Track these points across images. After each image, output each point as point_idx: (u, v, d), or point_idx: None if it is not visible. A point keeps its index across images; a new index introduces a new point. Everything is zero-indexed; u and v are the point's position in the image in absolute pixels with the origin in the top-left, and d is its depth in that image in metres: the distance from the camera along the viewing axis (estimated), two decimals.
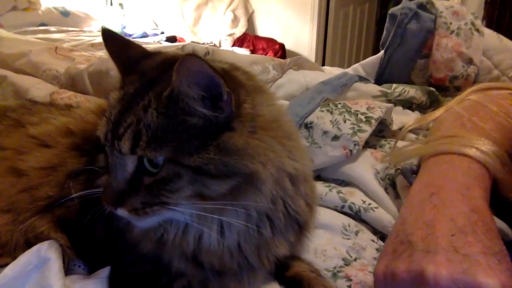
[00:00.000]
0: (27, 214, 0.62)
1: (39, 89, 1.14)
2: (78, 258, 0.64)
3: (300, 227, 0.65)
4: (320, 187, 0.87)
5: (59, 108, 0.80)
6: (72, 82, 1.22)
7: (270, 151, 0.55)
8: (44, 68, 1.26)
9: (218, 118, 0.51)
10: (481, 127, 0.67)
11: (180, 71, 0.48)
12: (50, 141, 0.68)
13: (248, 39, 4.04)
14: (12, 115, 0.74)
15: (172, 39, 3.77)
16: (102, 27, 0.61)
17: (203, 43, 3.73)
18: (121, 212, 0.52)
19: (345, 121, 0.92)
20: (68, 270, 0.61)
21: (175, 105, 0.50)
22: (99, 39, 2.73)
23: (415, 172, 0.79)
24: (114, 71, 1.09)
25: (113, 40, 0.61)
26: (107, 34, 0.60)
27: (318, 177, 0.93)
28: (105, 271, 0.59)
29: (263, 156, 0.54)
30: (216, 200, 0.52)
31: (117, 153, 0.52)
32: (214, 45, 3.95)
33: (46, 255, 0.55)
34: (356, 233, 0.78)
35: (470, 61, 1.19)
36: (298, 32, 4.07)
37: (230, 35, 4.09)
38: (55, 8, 3.47)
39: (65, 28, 3.04)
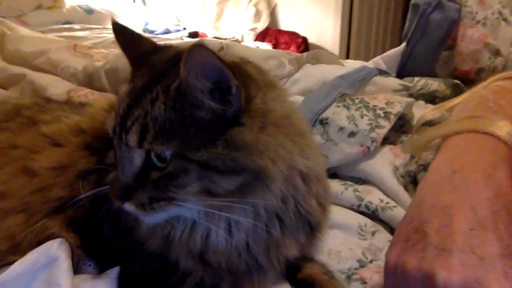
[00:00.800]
0: (40, 215, 0.62)
1: (57, 87, 1.15)
2: (88, 258, 0.64)
3: (311, 228, 0.63)
4: (336, 186, 0.85)
5: (72, 107, 0.80)
6: (90, 79, 1.23)
7: (280, 148, 0.53)
8: (63, 65, 1.28)
9: (227, 112, 0.50)
10: (508, 110, 0.63)
11: (187, 62, 0.47)
12: (62, 140, 0.69)
13: (271, 33, 4.01)
14: (26, 113, 0.75)
15: (194, 34, 3.78)
16: (112, 20, 0.61)
17: (225, 38, 3.73)
18: (128, 207, 0.52)
19: (362, 117, 0.89)
20: (78, 270, 0.60)
21: (182, 98, 0.49)
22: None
23: None
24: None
25: (123, 34, 0.60)
26: (117, 27, 0.60)
27: (334, 175, 0.90)
28: (114, 271, 0.59)
29: (273, 152, 0.52)
30: (224, 197, 0.51)
31: (124, 147, 0.51)
32: (236, 40, 3.95)
33: (55, 253, 0.55)
34: (373, 233, 0.76)
35: (497, 53, 1.13)
36: (322, 25, 4.01)
37: (252, 29, 4.07)
38: (79, 6, 3.53)
39: (88, 26, 3.09)
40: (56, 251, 0.55)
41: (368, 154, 0.86)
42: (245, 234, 0.56)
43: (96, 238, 0.63)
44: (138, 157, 0.51)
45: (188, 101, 0.49)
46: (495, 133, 0.57)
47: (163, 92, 0.50)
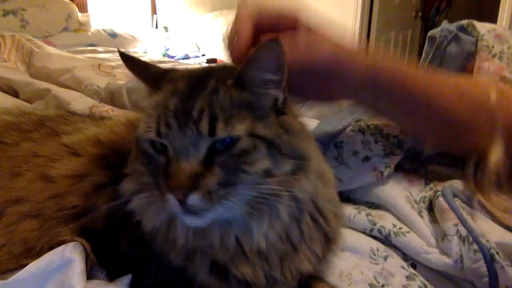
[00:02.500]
0: (54, 222, 0.64)
1: (80, 103, 1.19)
2: (99, 266, 0.64)
3: (327, 239, 0.63)
4: (349, 209, 0.85)
5: (93, 119, 0.83)
6: (112, 97, 1.27)
7: (312, 140, 0.61)
8: (86, 83, 1.33)
9: (279, 100, 0.57)
10: None
11: (254, 56, 0.53)
12: (79, 149, 0.71)
13: None
14: (49, 124, 0.78)
15: (212, 61, 3.87)
16: (118, 51, 0.64)
17: None
18: (193, 198, 0.50)
19: (376, 142, 0.89)
20: (90, 275, 0.61)
21: (243, 87, 0.54)
22: (143, 59, 2.85)
23: (456, 195, 0.76)
24: None
25: (132, 61, 0.62)
26: (125, 56, 0.62)
27: (348, 199, 0.90)
28: (127, 278, 0.60)
29: (311, 144, 0.60)
30: (280, 179, 0.54)
31: (188, 136, 0.51)
32: None
33: (70, 256, 0.56)
34: (385, 258, 0.75)
35: None
36: None
37: None
38: (103, 30, 3.67)
39: (111, 49, 3.20)
40: (70, 254, 0.56)
41: (382, 178, 0.86)
42: (265, 235, 0.56)
43: (109, 248, 0.63)
44: (205, 143, 0.52)
45: (249, 89, 0.54)
46: None
47: (222, 83, 0.54)
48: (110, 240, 0.62)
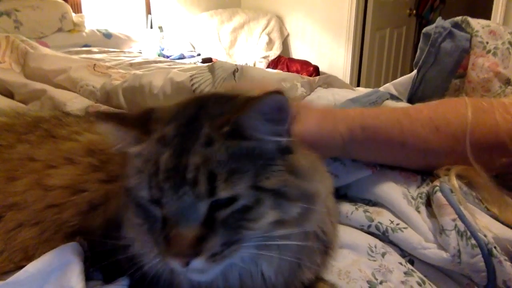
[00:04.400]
0: (52, 232, 0.64)
1: (75, 103, 1.19)
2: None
3: (325, 247, 0.64)
4: (346, 206, 0.85)
5: (87, 121, 0.83)
6: (107, 97, 1.27)
7: (321, 167, 0.58)
8: (82, 83, 1.32)
9: (282, 142, 0.51)
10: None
11: (256, 107, 0.47)
12: (74, 158, 0.71)
13: (283, 61, 4.09)
14: (44, 126, 0.78)
15: (208, 60, 3.86)
16: (89, 113, 0.62)
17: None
18: (197, 263, 0.47)
19: None
20: (89, 275, 0.61)
21: (242, 137, 0.49)
22: (138, 59, 2.85)
23: (453, 190, 0.76)
24: (147, 87, 1.12)
25: (107, 117, 0.56)
26: (98, 116, 0.56)
27: (345, 196, 0.91)
28: (126, 280, 0.60)
29: (319, 175, 0.56)
30: (289, 225, 0.50)
31: (187, 200, 0.47)
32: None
33: (69, 256, 0.56)
34: (383, 254, 0.75)
35: (507, 82, 1.14)
36: (333, 55, 4.08)
37: (264, 57, 4.15)
38: (98, 30, 3.65)
39: (106, 49, 3.19)
40: (70, 254, 0.56)
41: (377, 172, 0.86)
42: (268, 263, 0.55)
43: (108, 262, 0.61)
44: (204, 205, 0.47)
45: (249, 138, 0.49)
46: None
47: (216, 130, 0.48)
48: (109, 257, 0.59)
